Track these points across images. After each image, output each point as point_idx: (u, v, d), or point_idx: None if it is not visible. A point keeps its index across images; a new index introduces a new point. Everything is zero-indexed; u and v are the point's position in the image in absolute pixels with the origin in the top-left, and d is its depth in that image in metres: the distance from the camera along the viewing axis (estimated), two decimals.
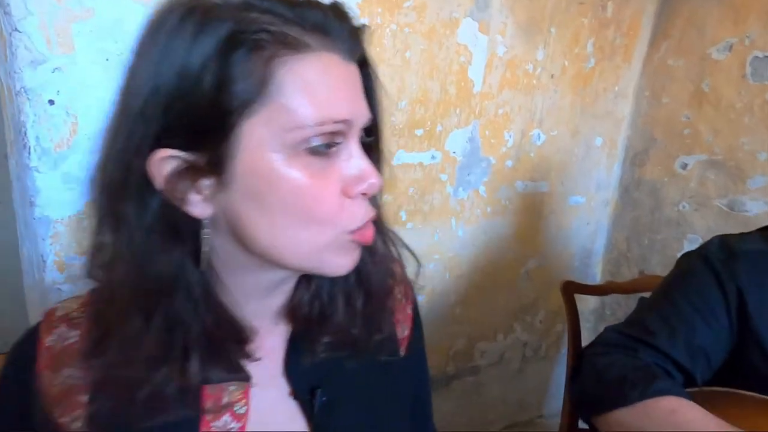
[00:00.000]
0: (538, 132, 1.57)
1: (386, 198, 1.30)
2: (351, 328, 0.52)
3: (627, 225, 1.84)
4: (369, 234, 0.45)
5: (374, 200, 0.48)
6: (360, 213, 0.44)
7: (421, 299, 1.45)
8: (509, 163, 1.52)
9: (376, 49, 1.17)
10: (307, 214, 0.41)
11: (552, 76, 1.55)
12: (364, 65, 0.46)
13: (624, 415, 0.80)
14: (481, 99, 1.40)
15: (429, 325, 1.50)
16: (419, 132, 1.31)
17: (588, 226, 1.84)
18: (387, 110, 1.34)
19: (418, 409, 0.64)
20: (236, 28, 0.37)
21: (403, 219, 1.35)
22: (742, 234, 1.00)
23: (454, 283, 1.50)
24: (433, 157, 1.35)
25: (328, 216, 0.42)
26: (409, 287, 0.62)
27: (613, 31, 1.66)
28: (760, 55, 1.43)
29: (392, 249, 0.54)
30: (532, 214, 1.66)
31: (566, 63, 1.57)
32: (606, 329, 0.95)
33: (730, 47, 1.52)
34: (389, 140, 1.27)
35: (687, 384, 0.87)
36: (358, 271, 0.49)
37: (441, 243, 1.44)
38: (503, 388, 1.83)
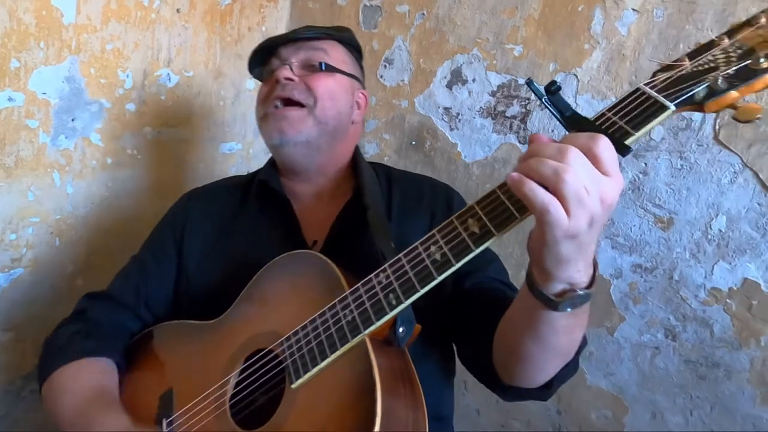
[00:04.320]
0: (167, 72, 1.42)
1: None
2: None
3: None
4: None
5: None
6: None
7: (20, 272, 1.21)
8: (131, 106, 1.35)
9: None
10: None
11: (178, 10, 1.41)
12: None
13: (45, 389, 0.86)
14: (78, 32, 1.18)
15: (38, 302, 1.27)
16: None
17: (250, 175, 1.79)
18: None
19: None
20: None
21: None
22: None
23: (70, 250, 1.29)
24: (10, 99, 1.10)
25: None
26: None
27: None
28: (368, 3, 1.51)
29: None
30: (173, 164, 1.53)
31: None
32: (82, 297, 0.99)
33: None
34: None
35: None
36: None
37: (41, 202, 1.21)
38: None
